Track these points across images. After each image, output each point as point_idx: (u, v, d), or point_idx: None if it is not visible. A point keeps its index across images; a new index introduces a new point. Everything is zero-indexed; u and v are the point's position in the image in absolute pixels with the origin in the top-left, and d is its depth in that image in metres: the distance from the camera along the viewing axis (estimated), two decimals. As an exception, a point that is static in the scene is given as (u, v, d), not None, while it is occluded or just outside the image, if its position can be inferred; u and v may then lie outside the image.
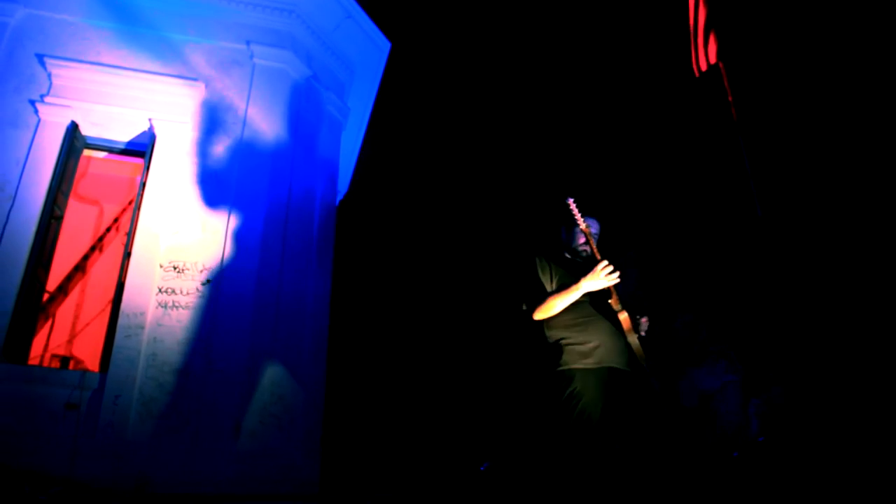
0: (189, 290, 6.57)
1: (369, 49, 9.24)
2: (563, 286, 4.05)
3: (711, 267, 8.93)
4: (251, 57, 7.88)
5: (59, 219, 6.92)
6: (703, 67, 6.79)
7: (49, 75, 7.13)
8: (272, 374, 6.54)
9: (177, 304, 6.47)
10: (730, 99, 6.77)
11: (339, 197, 10.58)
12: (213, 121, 7.45)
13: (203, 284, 6.61)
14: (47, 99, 7.01)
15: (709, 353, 8.13)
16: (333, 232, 8.13)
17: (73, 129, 7.01)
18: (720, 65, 6.78)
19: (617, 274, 3.93)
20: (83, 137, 7.16)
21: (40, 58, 7.18)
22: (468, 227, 15.79)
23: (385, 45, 9.35)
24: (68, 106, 7.05)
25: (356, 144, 10.69)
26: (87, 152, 7.38)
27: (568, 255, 4.34)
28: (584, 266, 4.10)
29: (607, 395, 3.82)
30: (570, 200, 4.04)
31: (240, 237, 6.91)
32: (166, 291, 6.52)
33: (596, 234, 4.26)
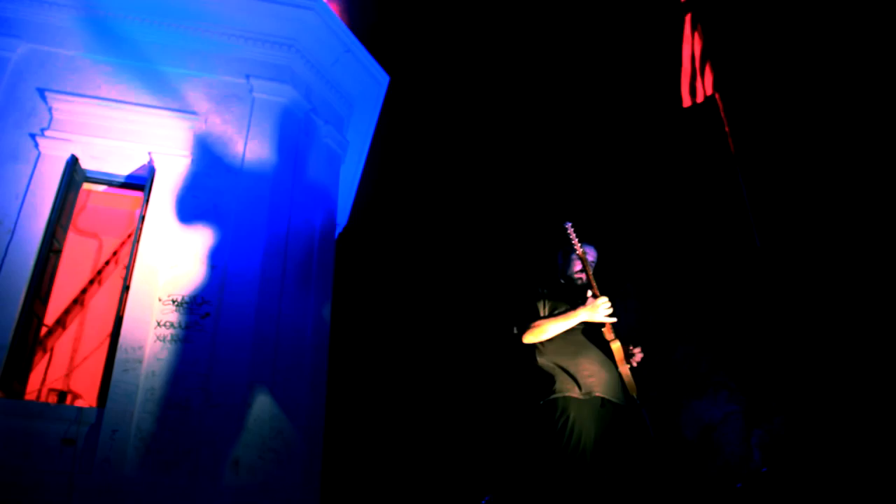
0: (188, 323, 6.53)
1: (368, 83, 9.30)
2: (558, 312, 4.01)
3: (711, 297, 8.91)
4: (251, 91, 7.92)
5: (58, 252, 6.91)
6: (700, 99, 6.82)
7: (49, 109, 7.16)
8: (271, 407, 6.48)
9: (175, 338, 6.43)
10: (727, 130, 6.79)
11: (339, 230, 10.58)
12: (212, 154, 7.47)
13: (202, 318, 6.57)
14: (47, 133, 7.04)
15: (710, 384, 8.10)
16: (333, 264, 8.11)
17: (72, 162, 7.03)
18: (717, 96, 6.81)
19: (612, 310, 3.90)
20: (83, 171, 7.17)
21: (41, 92, 7.22)
22: (467, 258, 15.80)
23: (384, 79, 9.40)
24: (68, 140, 7.08)
25: (355, 177, 10.71)
26: (86, 185, 7.39)
27: (563, 281, 4.30)
28: (579, 293, 4.07)
29: (599, 427, 3.76)
30: (569, 225, 4.03)
31: (239, 270, 6.89)
32: (165, 325, 6.48)
33: (593, 261, 4.23)
